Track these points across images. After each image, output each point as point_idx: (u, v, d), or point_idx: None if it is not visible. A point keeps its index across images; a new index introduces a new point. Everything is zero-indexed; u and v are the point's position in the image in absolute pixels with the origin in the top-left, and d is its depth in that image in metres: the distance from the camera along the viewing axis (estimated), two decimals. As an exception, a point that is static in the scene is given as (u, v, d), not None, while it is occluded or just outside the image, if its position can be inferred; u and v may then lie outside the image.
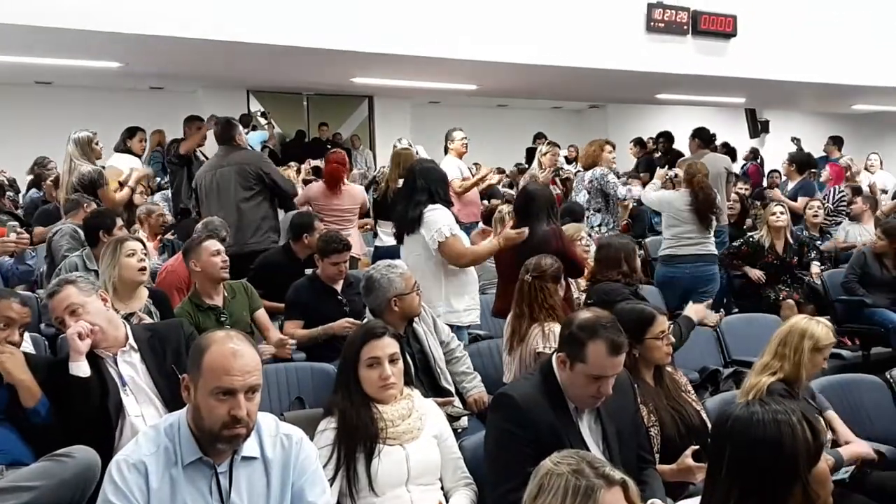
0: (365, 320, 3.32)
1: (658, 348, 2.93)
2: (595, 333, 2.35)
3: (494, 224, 5.80)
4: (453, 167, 6.85)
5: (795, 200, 7.61)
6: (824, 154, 9.76)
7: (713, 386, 4.07)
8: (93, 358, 2.70)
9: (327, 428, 2.46)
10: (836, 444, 3.09)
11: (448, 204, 4.03)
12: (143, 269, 3.52)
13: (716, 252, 5.60)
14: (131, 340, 2.79)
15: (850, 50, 8.26)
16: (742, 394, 3.07)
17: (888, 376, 3.66)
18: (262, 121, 11.20)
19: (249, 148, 6.69)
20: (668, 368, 3.07)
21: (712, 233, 5.57)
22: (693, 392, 3.13)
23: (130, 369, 2.75)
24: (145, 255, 3.56)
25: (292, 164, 8.96)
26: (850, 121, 12.38)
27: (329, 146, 10.49)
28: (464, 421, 3.33)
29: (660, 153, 10.07)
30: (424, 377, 3.26)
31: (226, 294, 3.84)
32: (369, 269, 3.52)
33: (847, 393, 3.51)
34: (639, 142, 10.65)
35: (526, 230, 3.90)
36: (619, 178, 6.65)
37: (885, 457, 3.09)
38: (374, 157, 12.03)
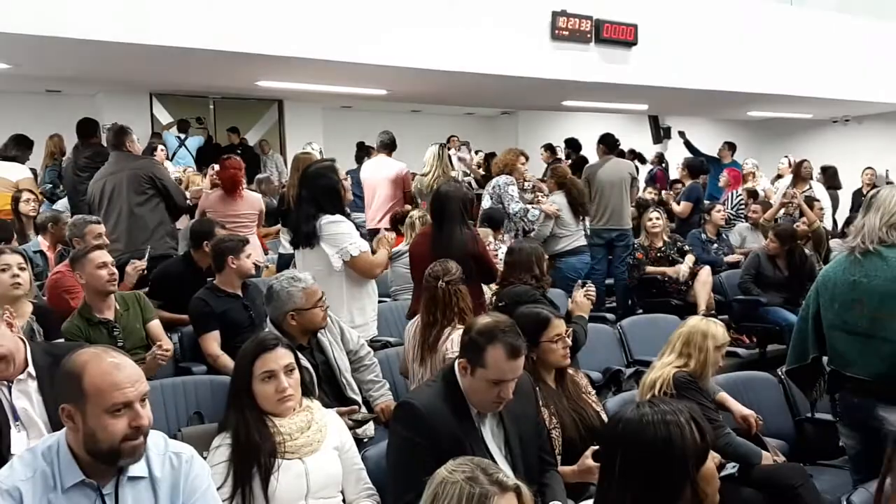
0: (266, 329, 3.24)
1: (553, 351, 2.96)
2: (494, 338, 2.36)
3: (406, 229, 5.80)
4: None
5: (689, 202, 7.93)
6: (717, 157, 10.15)
7: (616, 386, 4.16)
8: None
9: (222, 444, 2.37)
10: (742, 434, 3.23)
11: (341, 212, 3.92)
12: (17, 284, 3.32)
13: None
14: (30, 367, 2.59)
15: (745, 59, 8.61)
16: (645, 388, 3.17)
17: (780, 373, 3.82)
18: (198, 125, 11.18)
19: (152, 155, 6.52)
20: (570, 370, 3.11)
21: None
22: (594, 393, 3.19)
23: (25, 400, 2.54)
24: (22, 269, 3.36)
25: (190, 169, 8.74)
26: (746, 127, 12.93)
27: (239, 151, 10.28)
28: (370, 430, 3.29)
29: (569, 160, 10.29)
30: (329, 388, 3.20)
31: (117, 307, 3.68)
32: (272, 279, 3.43)
33: (743, 390, 3.65)
34: (549, 147, 10.84)
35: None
36: (525, 190, 6.67)
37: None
38: (286, 161, 11.83)
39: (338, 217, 3.84)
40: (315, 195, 3.90)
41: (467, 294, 3.52)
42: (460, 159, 10.38)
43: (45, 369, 2.56)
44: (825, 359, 3.05)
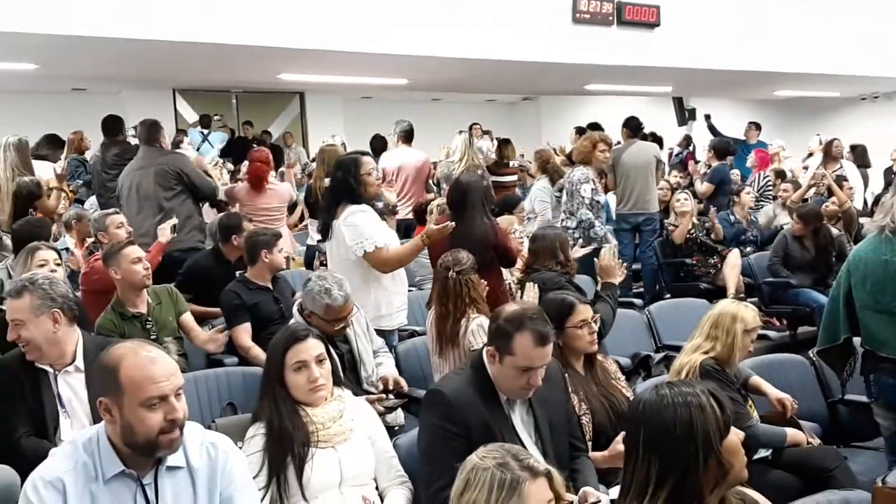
0: (292, 320, 3.27)
1: (579, 337, 2.96)
2: (521, 325, 2.36)
3: (430, 217, 5.80)
4: None
5: (711, 185, 7.86)
6: (744, 138, 10.05)
7: (645, 371, 4.15)
8: (35, 372, 2.64)
9: (256, 434, 2.41)
10: (768, 420, 3.22)
11: (364, 199, 3.85)
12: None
13: None
14: (79, 361, 2.71)
15: (770, 38, 8.51)
16: (673, 373, 3.16)
17: (812, 355, 3.78)
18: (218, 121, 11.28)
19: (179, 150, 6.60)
20: (599, 356, 3.11)
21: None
22: (623, 378, 3.18)
23: (69, 390, 2.67)
24: (58, 264, 3.44)
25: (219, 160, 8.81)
26: (772, 106, 12.76)
27: (255, 144, 10.34)
28: (400, 418, 3.32)
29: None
30: (353, 377, 3.23)
31: (150, 300, 3.73)
32: (316, 273, 3.39)
33: (774, 372, 3.61)
34: (580, 130, 10.75)
35: (451, 224, 3.81)
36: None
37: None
38: (308, 154, 11.91)
39: (362, 207, 3.81)
40: (332, 187, 3.94)
41: (479, 283, 3.51)
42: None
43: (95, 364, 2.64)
44: (857, 339, 3.02)
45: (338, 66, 7.59)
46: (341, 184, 3.87)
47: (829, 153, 8.31)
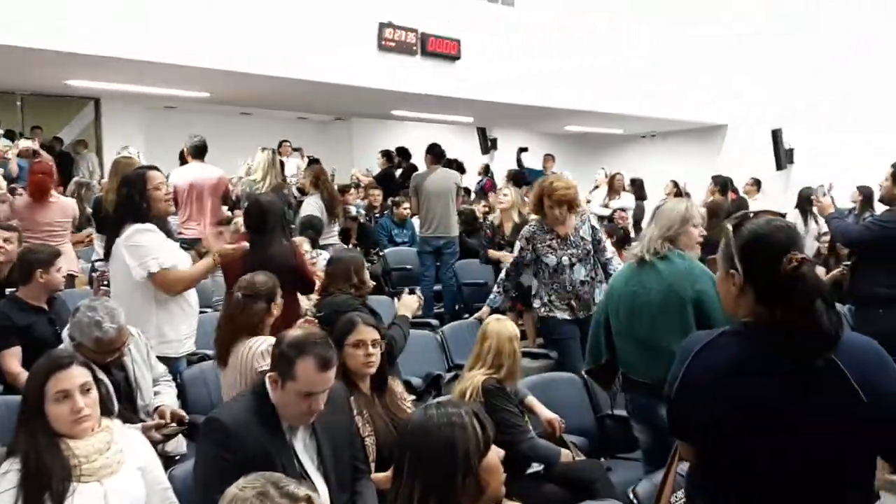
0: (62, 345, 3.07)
1: (352, 356, 2.97)
2: (304, 350, 2.37)
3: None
4: None
5: None
6: (542, 168, 10.76)
7: (437, 391, 4.29)
8: None
9: (10, 469, 2.22)
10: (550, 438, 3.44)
11: (150, 217, 3.65)
12: None
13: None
14: None
15: (561, 77, 9.14)
16: (457, 395, 3.30)
17: (582, 373, 4.09)
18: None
19: None
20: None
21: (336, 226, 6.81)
22: (409, 398, 3.27)
23: None
24: None
25: None
26: (566, 140, 13.68)
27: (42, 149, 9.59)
28: (182, 447, 3.21)
29: (399, 168, 10.51)
30: (130, 405, 3.08)
31: None
32: (85, 303, 3.08)
33: (547, 390, 3.88)
34: (386, 154, 10.96)
35: (245, 244, 3.77)
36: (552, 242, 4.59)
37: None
38: (101, 163, 11.20)
39: (147, 226, 3.64)
40: (118, 204, 3.77)
41: (261, 311, 3.38)
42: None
43: None
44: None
45: (131, 75, 7.20)
46: (126, 200, 3.69)
47: (612, 186, 9.06)
